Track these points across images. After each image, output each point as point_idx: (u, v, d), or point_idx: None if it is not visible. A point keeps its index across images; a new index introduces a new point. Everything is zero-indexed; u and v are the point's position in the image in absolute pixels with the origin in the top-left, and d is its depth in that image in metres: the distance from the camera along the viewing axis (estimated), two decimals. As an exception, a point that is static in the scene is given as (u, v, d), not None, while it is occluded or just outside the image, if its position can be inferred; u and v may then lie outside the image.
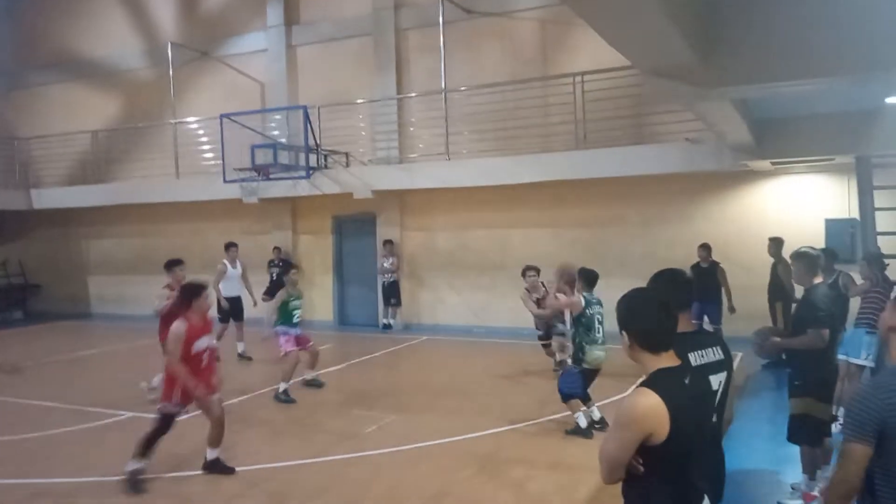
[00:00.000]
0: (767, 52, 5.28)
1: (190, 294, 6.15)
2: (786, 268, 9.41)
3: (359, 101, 14.44)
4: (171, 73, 16.43)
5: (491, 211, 13.84)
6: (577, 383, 7.02)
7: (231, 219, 16.14)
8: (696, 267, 10.66)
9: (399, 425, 7.60)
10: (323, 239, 15.52)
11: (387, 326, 14.18)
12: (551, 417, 7.60)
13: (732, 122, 7.95)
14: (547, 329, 9.74)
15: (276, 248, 14.29)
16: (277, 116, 15.02)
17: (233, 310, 11.53)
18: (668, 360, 2.60)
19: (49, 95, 18.98)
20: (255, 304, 11.79)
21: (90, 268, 18.13)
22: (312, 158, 13.66)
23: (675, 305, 2.79)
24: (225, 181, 13.91)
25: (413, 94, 14.28)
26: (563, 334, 9.10)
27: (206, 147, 15.73)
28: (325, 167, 14.07)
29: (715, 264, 10.80)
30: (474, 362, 11.20)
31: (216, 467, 6.29)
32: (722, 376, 3.27)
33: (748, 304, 10.90)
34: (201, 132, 16.08)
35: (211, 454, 6.31)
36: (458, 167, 13.08)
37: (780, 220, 11.43)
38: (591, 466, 5.84)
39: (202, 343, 6.09)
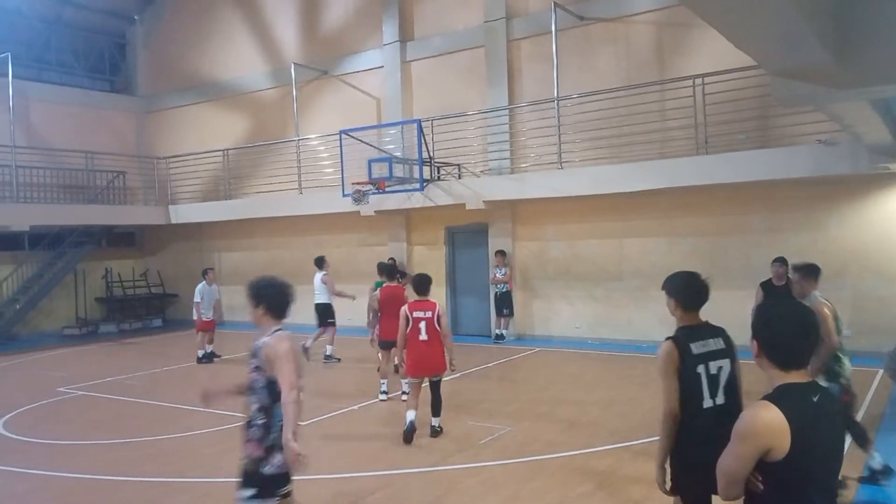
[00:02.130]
0: (910, 47, 4.88)
1: (429, 283, 7.80)
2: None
3: (471, 112, 14.60)
4: (293, 92, 17.28)
5: (605, 220, 13.57)
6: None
7: (350, 231, 16.72)
8: (766, 285, 8.97)
9: (514, 437, 7.57)
10: (436, 250, 15.75)
11: (499, 337, 14.17)
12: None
13: (871, 123, 7.41)
14: None
15: (391, 259, 14.62)
16: (392, 130, 15.43)
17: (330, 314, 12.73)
18: (797, 376, 2.50)
19: (184, 117, 20.46)
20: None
21: (221, 278, 19.17)
22: (426, 171, 13.93)
23: (689, 304, 3.84)
24: (344, 195, 14.43)
25: (525, 104, 14.26)
26: None
27: (326, 162, 16.39)
28: (439, 179, 14.30)
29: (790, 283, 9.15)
30: (589, 375, 10.99)
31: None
32: (724, 362, 3.73)
33: (889, 318, 10.08)
34: (321, 148, 16.77)
35: (436, 420, 7.68)
36: (570, 176, 12.93)
37: (926, 227, 10.52)
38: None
39: None
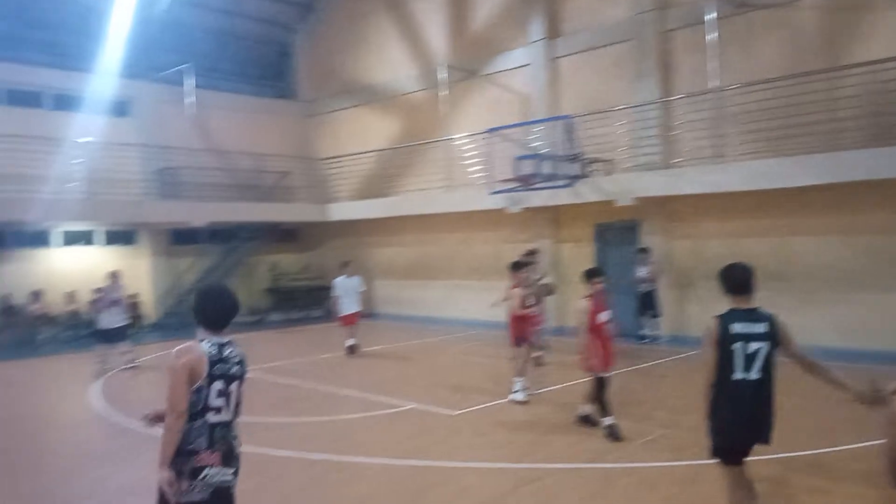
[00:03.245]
0: None
1: (592, 275, 7.68)
2: None
3: (622, 107, 14.30)
4: (443, 93, 17.74)
5: (768, 217, 12.81)
6: None
7: (495, 228, 16.93)
8: None
9: (670, 440, 7.38)
10: (584, 247, 15.58)
11: (644, 337, 13.76)
12: (849, 446, 6.84)
13: None
14: None
15: (530, 251, 14.51)
16: (539, 127, 15.44)
17: None
18: None
19: (340, 120, 21.60)
20: None
21: (375, 273, 20.16)
22: (574, 167, 13.82)
23: (729, 292, 4.45)
24: (490, 193, 14.63)
25: (681, 96, 13.77)
26: None
27: (473, 160, 16.70)
28: (587, 175, 14.14)
29: None
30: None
31: (588, 421, 7.85)
32: (763, 344, 4.27)
33: None
34: (469, 146, 17.10)
35: (584, 409, 7.83)
36: (729, 170, 12.34)
37: None
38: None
39: (604, 316, 7.59)
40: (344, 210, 19.90)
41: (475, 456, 7.13)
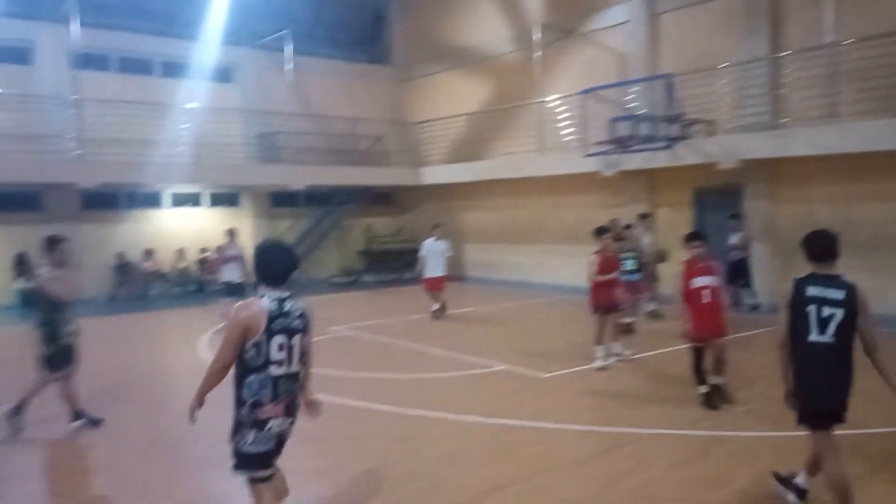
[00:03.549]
0: None
1: (688, 239, 7.47)
2: None
3: (727, 64, 13.61)
4: (537, 54, 17.40)
5: (885, 181, 11.97)
6: None
7: (588, 192, 16.61)
8: None
9: (768, 411, 7.09)
10: (681, 212, 15.07)
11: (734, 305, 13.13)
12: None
13: None
14: None
15: (643, 214, 14.06)
16: (637, 88, 14.93)
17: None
18: None
19: (433, 84, 21.62)
20: None
21: (466, 236, 20.28)
22: (673, 128, 13.32)
23: (810, 258, 4.50)
24: (584, 155, 14.32)
25: (792, 52, 12.95)
26: None
27: (566, 122, 16.37)
28: (687, 137, 13.59)
29: None
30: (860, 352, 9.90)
31: (717, 393, 7.33)
32: (837, 310, 4.30)
33: None
34: (563, 108, 16.76)
35: (713, 380, 7.32)
36: (844, 131, 11.57)
37: None
38: None
39: (700, 281, 7.21)
40: (436, 174, 20.03)
41: (566, 418, 7.13)
